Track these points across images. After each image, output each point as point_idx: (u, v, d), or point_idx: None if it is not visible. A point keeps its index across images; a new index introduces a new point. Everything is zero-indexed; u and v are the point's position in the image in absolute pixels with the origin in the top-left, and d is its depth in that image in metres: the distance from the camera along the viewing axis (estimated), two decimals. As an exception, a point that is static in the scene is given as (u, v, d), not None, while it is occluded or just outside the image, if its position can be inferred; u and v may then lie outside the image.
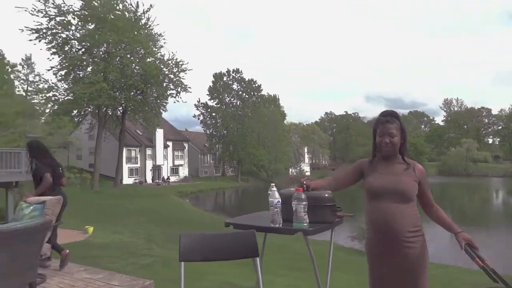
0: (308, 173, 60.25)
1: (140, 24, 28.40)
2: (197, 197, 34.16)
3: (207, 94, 50.42)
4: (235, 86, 50.88)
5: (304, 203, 2.24)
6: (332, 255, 2.55)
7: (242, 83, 50.58)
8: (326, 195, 2.48)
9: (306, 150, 64.75)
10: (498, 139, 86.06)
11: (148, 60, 28.14)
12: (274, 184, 2.52)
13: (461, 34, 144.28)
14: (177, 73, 29.75)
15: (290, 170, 54.17)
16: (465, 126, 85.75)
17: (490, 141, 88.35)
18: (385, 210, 1.97)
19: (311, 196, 2.33)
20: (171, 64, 29.52)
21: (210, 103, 50.30)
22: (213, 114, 50.07)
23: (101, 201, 20.52)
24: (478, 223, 20.15)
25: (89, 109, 29.31)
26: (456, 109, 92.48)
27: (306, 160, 65.38)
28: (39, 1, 24.69)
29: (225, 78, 50.54)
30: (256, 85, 50.78)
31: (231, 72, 50.59)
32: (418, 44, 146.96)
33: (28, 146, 4.69)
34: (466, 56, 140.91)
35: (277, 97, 55.04)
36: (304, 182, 2.32)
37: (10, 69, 33.29)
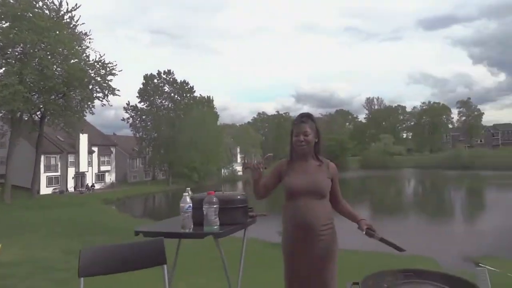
0: (240, 173, 60.82)
1: (63, 23, 26.27)
2: (124, 203, 32.59)
3: (137, 97, 48.65)
4: (166, 88, 49.73)
5: (215, 206, 2.27)
6: (244, 253, 2.61)
7: (175, 85, 49.63)
8: (239, 196, 2.54)
9: (238, 150, 65.25)
10: (411, 134, 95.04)
11: (72, 61, 26.15)
12: (189, 188, 2.52)
13: (379, 38, 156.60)
14: (104, 76, 28.02)
15: (223, 170, 54.23)
16: (383, 123, 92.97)
17: (404, 135, 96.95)
18: (303, 206, 2.11)
19: (223, 199, 2.37)
20: (98, 66, 27.75)
21: (140, 105, 48.74)
22: (143, 116, 48.53)
23: (11, 215, 18.60)
24: (392, 211, 22.25)
25: (0, 114, 26.49)
26: (376, 107, 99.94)
27: (239, 160, 65.92)
28: None
29: (156, 80, 49.17)
30: (189, 86, 50.06)
31: (162, 74, 49.34)
32: (344, 48, 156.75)
33: None
34: (386, 59, 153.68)
35: (211, 98, 54.73)
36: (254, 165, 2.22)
37: None
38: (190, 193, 2.43)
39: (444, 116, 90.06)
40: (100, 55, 30.64)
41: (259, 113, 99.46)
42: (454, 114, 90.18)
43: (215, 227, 2.25)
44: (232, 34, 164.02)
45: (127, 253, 1.98)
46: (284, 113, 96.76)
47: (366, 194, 33.04)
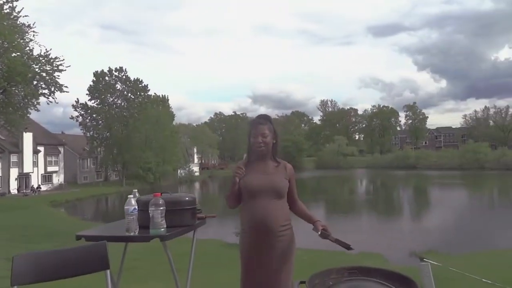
0: (197, 173, 60.16)
1: (3, 13, 24.27)
2: (74, 206, 31.01)
3: (87, 94, 45.86)
4: (119, 86, 47.36)
5: (161, 208, 2.20)
6: (193, 255, 2.56)
7: (127, 83, 47.48)
8: (187, 198, 2.49)
9: (195, 150, 64.53)
10: (363, 135, 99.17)
11: (14, 55, 24.24)
12: (136, 190, 2.42)
13: (333, 43, 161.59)
14: (50, 71, 26.18)
15: (179, 171, 53.30)
16: (337, 125, 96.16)
17: (357, 137, 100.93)
18: (262, 207, 2.10)
19: (170, 200, 2.31)
20: (43, 60, 25.89)
21: (91, 103, 45.98)
22: (94, 115, 45.94)
23: None
24: (346, 210, 23.14)
25: None
26: (330, 109, 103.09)
27: (196, 160, 65.22)
28: None
29: (107, 78, 46.77)
30: (143, 85, 48.31)
31: (113, 71, 47.09)
32: (299, 50, 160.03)
33: None
34: (339, 62, 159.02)
35: (166, 97, 53.48)
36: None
37: None
38: (137, 195, 2.35)
39: (393, 119, 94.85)
40: (46, 49, 28.83)
41: (216, 113, 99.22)
42: (402, 117, 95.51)
43: (162, 229, 2.18)
44: (189, 33, 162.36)
45: (65, 259, 1.86)
46: (241, 113, 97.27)
47: (321, 193, 33.94)
